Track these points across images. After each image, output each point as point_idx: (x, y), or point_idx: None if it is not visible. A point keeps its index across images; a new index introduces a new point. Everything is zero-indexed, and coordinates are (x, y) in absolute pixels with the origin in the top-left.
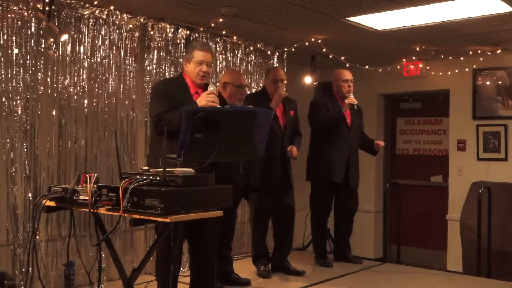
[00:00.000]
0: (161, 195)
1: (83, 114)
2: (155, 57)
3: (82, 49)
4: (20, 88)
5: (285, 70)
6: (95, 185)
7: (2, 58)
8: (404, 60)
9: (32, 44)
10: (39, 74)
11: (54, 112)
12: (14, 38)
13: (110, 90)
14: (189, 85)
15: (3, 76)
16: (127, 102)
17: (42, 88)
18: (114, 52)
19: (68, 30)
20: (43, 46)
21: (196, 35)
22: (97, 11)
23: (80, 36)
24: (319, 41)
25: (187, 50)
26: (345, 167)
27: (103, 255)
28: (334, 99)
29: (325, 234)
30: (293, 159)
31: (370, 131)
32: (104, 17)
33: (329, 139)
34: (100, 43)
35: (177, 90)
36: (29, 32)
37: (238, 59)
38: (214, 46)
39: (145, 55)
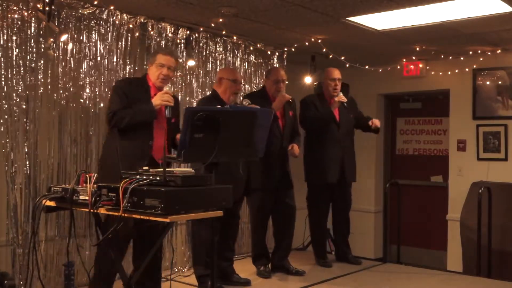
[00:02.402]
0: (161, 195)
1: (83, 114)
2: None
3: (82, 49)
4: (20, 88)
5: (285, 70)
6: (95, 185)
7: (2, 58)
8: (404, 60)
9: (32, 44)
10: (39, 74)
11: (54, 112)
12: (14, 38)
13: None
14: (151, 87)
15: (3, 76)
16: None
17: (42, 88)
18: (114, 52)
19: (68, 30)
20: (43, 46)
21: (196, 35)
22: (97, 11)
23: (80, 36)
24: (319, 41)
25: (152, 54)
26: (339, 166)
27: None
28: (324, 98)
29: (324, 234)
30: (295, 158)
31: None
32: (104, 17)
33: (320, 139)
34: (100, 43)
35: (137, 89)
36: (29, 32)
37: (238, 59)
38: (214, 46)
39: (145, 55)
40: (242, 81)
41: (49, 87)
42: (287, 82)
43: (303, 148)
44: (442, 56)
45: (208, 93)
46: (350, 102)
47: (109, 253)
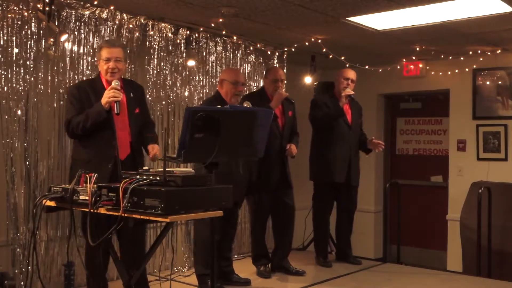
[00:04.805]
0: (161, 195)
1: None
2: (155, 57)
3: (82, 49)
4: (20, 88)
5: (285, 70)
6: (95, 185)
7: (2, 58)
8: (404, 60)
9: (32, 44)
10: (39, 74)
11: (54, 112)
12: (14, 38)
13: None
14: (105, 86)
15: (3, 76)
16: None
17: (42, 88)
18: None
19: (68, 30)
20: (43, 46)
21: (196, 35)
22: (97, 11)
23: (80, 36)
24: (319, 41)
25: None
26: (347, 166)
27: None
28: (335, 97)
29: (327, 233)
30: (292, 158)
31: (370, 131)
32: (104, 17)
33: (330, 137)
34: (100, 43)
35: (91, 92)
36: (29, 32)
37: (238, 59)
38: (214, 46)
39: (145, 55)
40: (245, 81)
41: (49, 87)
42: (285, 82)
43: (309, 147)
44: (442, 56)
45: (207, 93)
46: (358, 109)
47: (98, 254)
